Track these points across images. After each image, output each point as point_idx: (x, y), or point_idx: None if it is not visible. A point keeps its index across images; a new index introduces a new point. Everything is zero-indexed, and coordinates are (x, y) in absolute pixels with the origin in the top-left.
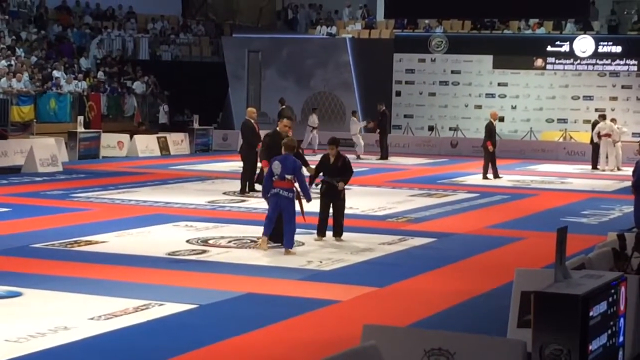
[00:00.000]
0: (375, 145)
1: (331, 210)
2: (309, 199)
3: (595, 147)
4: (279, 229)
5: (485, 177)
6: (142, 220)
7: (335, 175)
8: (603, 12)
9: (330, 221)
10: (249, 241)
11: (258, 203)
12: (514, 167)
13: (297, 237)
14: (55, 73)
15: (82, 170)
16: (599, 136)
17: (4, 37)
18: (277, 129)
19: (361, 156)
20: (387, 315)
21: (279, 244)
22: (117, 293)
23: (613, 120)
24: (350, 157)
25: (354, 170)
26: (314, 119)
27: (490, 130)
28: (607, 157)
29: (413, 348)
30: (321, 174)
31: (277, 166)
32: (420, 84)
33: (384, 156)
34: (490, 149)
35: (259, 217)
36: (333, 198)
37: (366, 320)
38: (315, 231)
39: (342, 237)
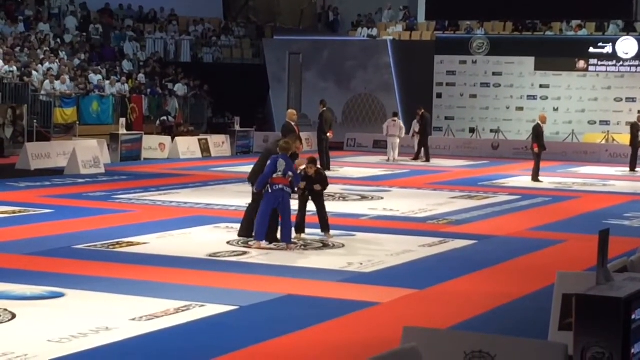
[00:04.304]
0: (408, 147)
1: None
2: (294, 191)
3: (635, 149)
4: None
5: (535, 180)
6: (183, 221)
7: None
8: None
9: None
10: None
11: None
12: (556, 169)
13: (338, 239)
14: (98, 75)
15: (124, 172)
16: None
17: (48, 40)
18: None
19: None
20: (427, 317)
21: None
22: (158, 294)
23: None
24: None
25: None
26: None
27: (537, 132)
28: None
29: (453, 350)
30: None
31: (282, 164)
32: (462, 86)
33: (427, 158)
34: (536, 151)
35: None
36: (314, 199)
37: (406, 323)
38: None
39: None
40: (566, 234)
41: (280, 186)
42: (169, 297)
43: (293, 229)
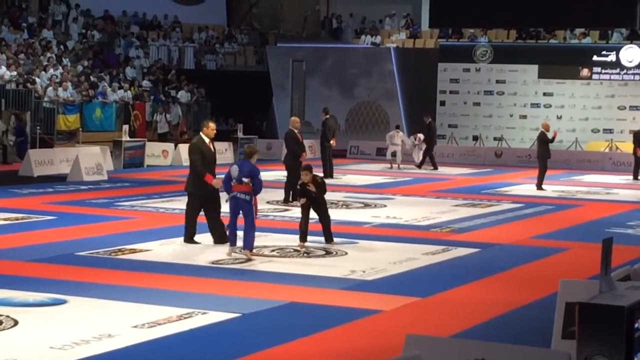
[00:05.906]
0: (410, 156)
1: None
2: (257, 193)
3: (638, 158)
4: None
5: (540, 188)
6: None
7: (316, 196)
8: None
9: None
10: (292, 250)
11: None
12: (559, 178)
13: (341, 247)
14: (101, 82)
15: (126, 179)
16: None
17: (51, 47)
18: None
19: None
20: (430, 325)
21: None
22: (161, 301)
23: None
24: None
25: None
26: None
27: (544, 140)
28: None
29: (456, 358)
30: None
31: (234, 170)
32: (465, 94)
33: (434, 166)
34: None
35: None
36: (315, 207)
37: (409, 330)
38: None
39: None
40: (569, 242)
41: (234, 193)
42: (172, 305)
43: (298, 236)
